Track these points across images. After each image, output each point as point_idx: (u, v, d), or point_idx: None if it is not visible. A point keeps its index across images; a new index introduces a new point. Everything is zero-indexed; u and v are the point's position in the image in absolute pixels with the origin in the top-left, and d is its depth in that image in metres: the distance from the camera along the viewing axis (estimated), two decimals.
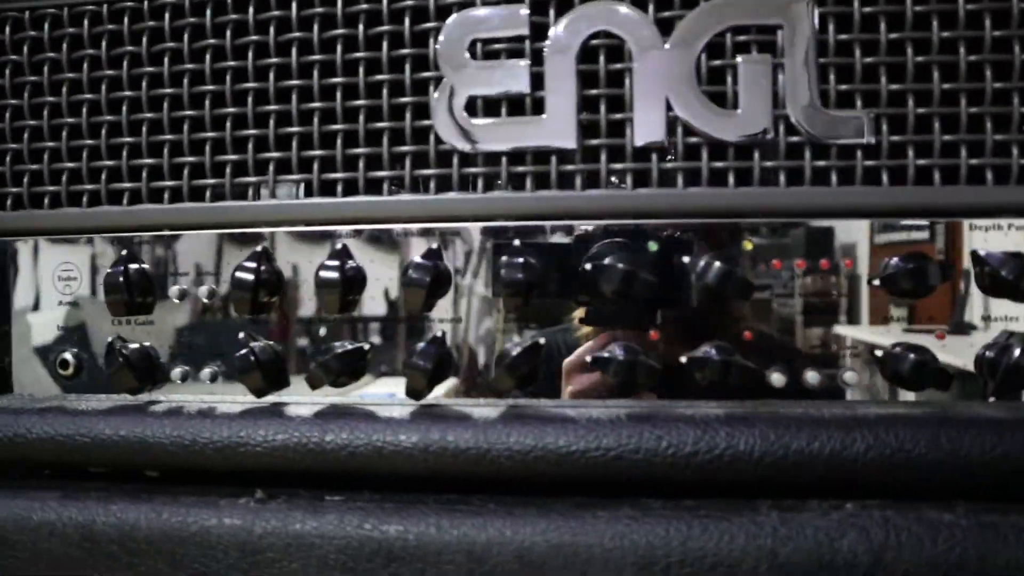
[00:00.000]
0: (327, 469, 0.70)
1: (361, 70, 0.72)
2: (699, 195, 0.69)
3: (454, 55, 0.71)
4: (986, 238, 0.66)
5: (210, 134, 0.75)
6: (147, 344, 0.79)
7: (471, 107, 0.71)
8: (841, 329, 0.68)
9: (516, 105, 0.71)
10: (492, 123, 0.71)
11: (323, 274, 0.70)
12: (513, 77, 0.70)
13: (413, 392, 0.69)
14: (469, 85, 0.71)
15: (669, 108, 0.68)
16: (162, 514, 0.70)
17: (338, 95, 0.73)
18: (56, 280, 0.82)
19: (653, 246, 0.68)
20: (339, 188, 0.73)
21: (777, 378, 0.67)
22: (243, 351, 0.73)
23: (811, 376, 0.67)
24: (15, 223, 0.83)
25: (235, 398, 0.76)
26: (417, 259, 0.70)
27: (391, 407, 0.69)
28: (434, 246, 0.71)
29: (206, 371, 0.79)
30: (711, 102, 0.70)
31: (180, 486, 0.73)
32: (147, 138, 0.77)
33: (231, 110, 0.75)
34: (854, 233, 0.68)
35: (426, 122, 0.72)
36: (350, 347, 0.73)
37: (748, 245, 0.68)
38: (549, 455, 0.62)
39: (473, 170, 0.72)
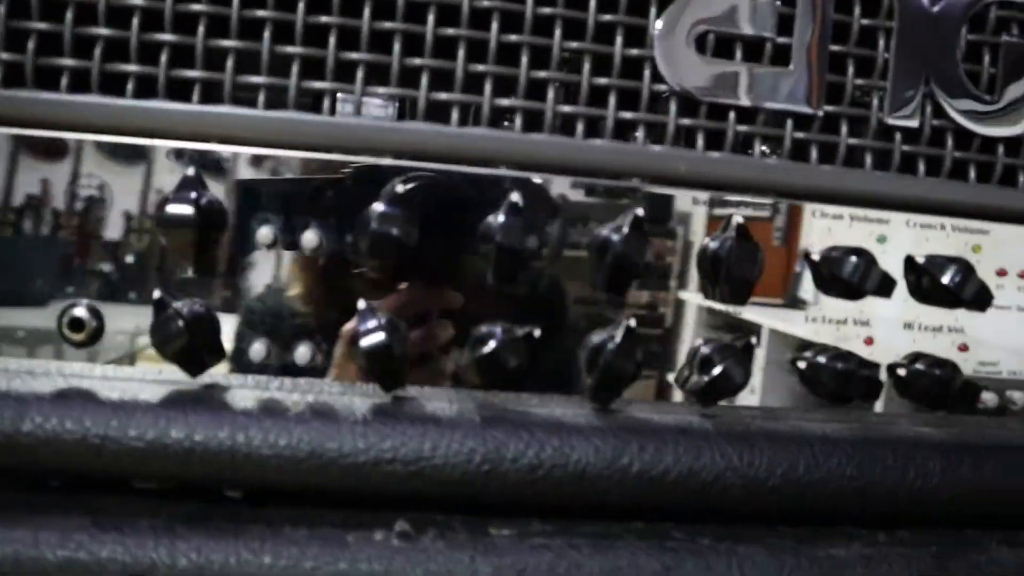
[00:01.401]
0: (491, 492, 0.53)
1: None
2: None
3: None
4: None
5: None
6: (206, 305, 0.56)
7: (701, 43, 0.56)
8: None
9: (753, 49, 0.56)
10: (726, 67, 0.56)
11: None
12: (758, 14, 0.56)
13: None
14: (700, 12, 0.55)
15: (926, 83, 0.57)
16: (261, 554, 0.49)
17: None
18: (71, 194, 0.56)
19: None
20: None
21: None
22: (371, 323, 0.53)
23: None
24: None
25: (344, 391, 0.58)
26: None
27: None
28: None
29: (302, 350, 0.57)
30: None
31: (276, 511, 0.52)
32: None
33: None
34: None
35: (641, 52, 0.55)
36: None
37: None
38: None
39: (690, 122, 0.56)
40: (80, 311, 0.56)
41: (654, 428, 0.55)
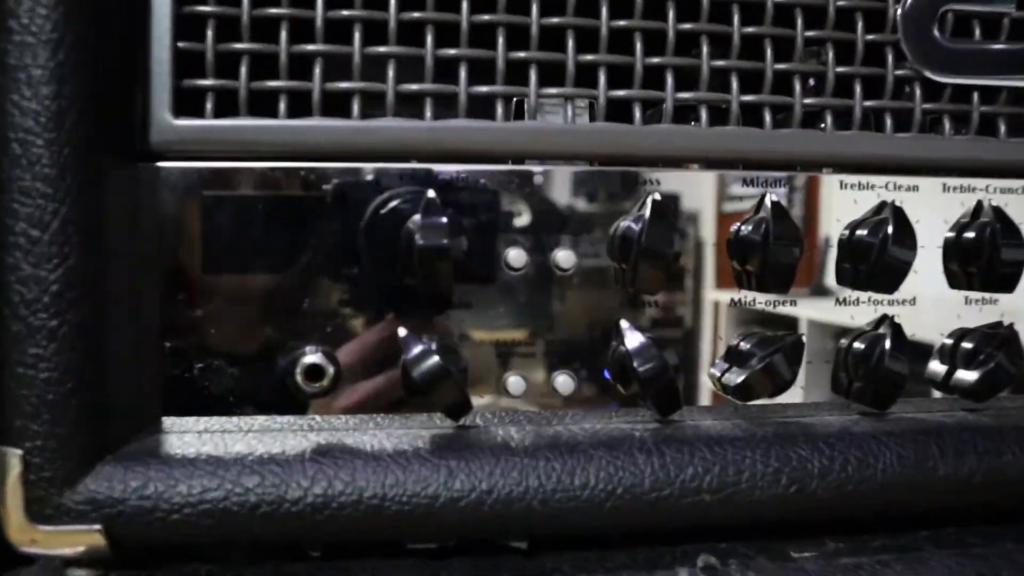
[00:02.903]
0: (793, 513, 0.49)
1: None
2: None
3: None
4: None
5: None
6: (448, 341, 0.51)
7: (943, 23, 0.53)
8: None
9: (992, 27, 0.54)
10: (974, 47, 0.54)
11: None
12: None
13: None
14: None
15: None
16: None
17: None
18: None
19: None
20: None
21: None
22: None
23: None
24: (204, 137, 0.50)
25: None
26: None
27: None
28: None
29: (562, 379, 0.53)
30: None
31: (561, 556, 0.48)
32: None
33: None
34: None
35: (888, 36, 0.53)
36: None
37: None
38: None
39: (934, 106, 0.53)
40: (314, 358, 0.51)
41: (941, 429, 0.52)
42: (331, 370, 0.51)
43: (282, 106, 0.50)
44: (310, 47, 0.50)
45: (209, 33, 0.49)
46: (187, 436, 0.50)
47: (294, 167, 0.50)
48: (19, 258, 0.43)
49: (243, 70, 0.49)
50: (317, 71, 0.50)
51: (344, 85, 0.50)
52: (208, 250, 0.50)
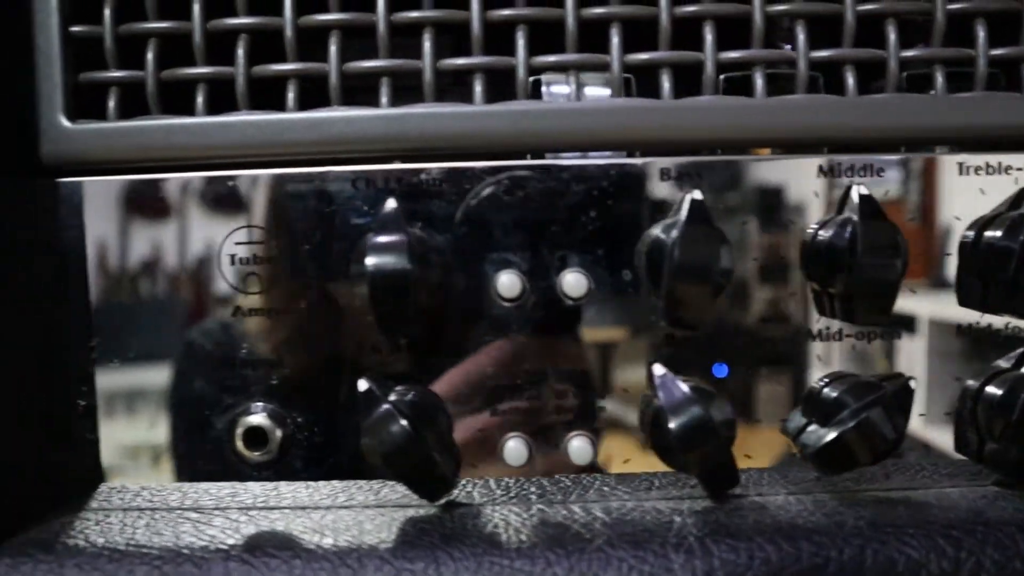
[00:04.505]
0: None
1: None
2: None
3: None
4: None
5: None
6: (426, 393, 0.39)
7: None
8: None
9: None
10: None
11: None
12: None
13: None
14: None
15: None
16: None
17: None
18: (223, 260, 0.39)
19: None
20: None
21: None
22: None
23: None
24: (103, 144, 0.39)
25: None
26: None
27: None
28: None
29: (577, 443, 0.40)
30: None
31: None
32: None
33: None
34: None
35: None
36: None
37: None
38: None
39: None
40: (258, 418, 0.40)
41: None
42: (278, 433, 0.40)
43: (199, 100, 0.39)
44: (231, 21, 0.38)
45: (107, 12, 0.38)
46: (110, 516, 0.40)
47: (221, 176, 0.39)
48: None
49: (150, 57, 0.39)
50: (240, 52, 0.38)
51: (277, 68, 0.39)
52: (124, 285, 0.40)
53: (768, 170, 0.40)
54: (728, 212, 0.40)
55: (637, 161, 0.40)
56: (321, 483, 0.42)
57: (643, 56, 0.39)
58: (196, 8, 0.38)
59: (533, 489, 0.41)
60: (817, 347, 0.41)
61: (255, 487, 0.42)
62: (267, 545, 0.37)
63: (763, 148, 0.41)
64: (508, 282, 0.39)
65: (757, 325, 0.41)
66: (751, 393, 0.42)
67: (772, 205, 0.41)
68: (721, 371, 0.41)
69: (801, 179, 0.40)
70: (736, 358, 0.41)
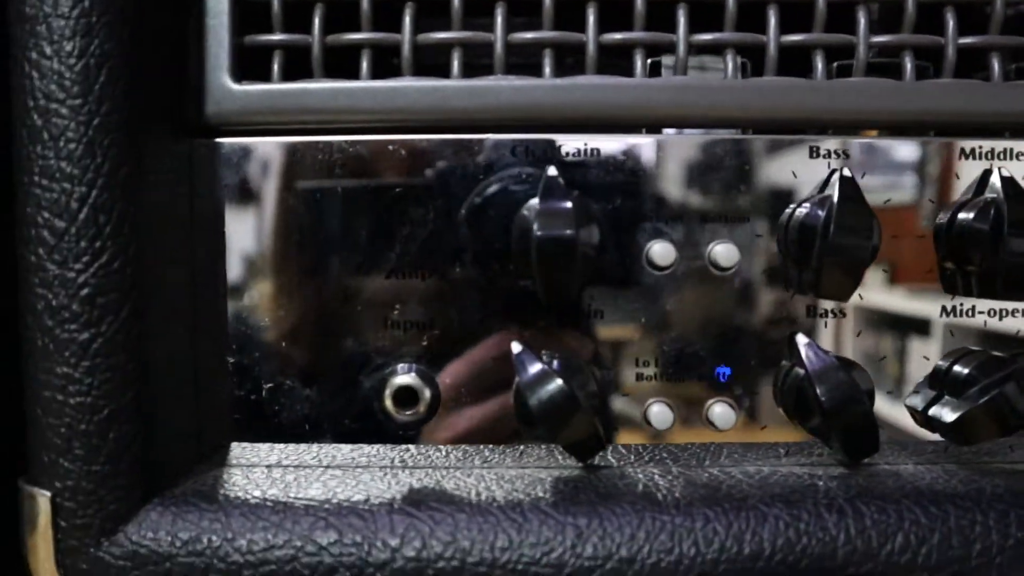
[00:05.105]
0: None
1: None
2: None
3: None
4: None
5: None
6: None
7: None
8: None
9: None
10: None
11: None
12: None
13: None
14: None
15: None
16: None
17: None
18: (378, 225, 0.40)
19: None
20: None
21: None
22: None
23: None
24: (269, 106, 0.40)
25: None
26: None
27: None
28: None
29: (720, 409, 0.41)
30: None
31: None
32: None
33: None
34: None
35: None
36: None
37: None
38: None
39: None
40: (407, 378, 0.41)
41: None
42: (427, 394, 0.41)
43: (364, 65, 0.40)
44: None
45: None
46: (255, 472, 0.41)
47: (382, 140, 0.40)
48: (42, 255, 0.35)
49: (316, 21, 0.40)
50: (407, 20, 0.39)
51: (440, 35, 0.40)
52: (280, 246, 0.41)
53: (907, 151, 0.42)
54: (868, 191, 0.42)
55: (791, 137, 0.41)
56: (469, 449, 0.43)
57: (796, 37, 0.40)
58: None
59: (665, 455, 0.43)
60: (943, 323, 0.43)
61: (388, 449, 0.43)
62: (429, 499, 0.38)
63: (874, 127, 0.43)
64: (661, 251, 0.41)
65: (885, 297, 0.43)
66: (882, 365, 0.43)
67: (910, 184, 0.42)
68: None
69: (937, 160, 0.42)
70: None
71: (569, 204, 0.38)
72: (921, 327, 0.43)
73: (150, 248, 0.37)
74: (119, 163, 0.35)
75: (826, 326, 0.42)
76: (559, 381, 0.38)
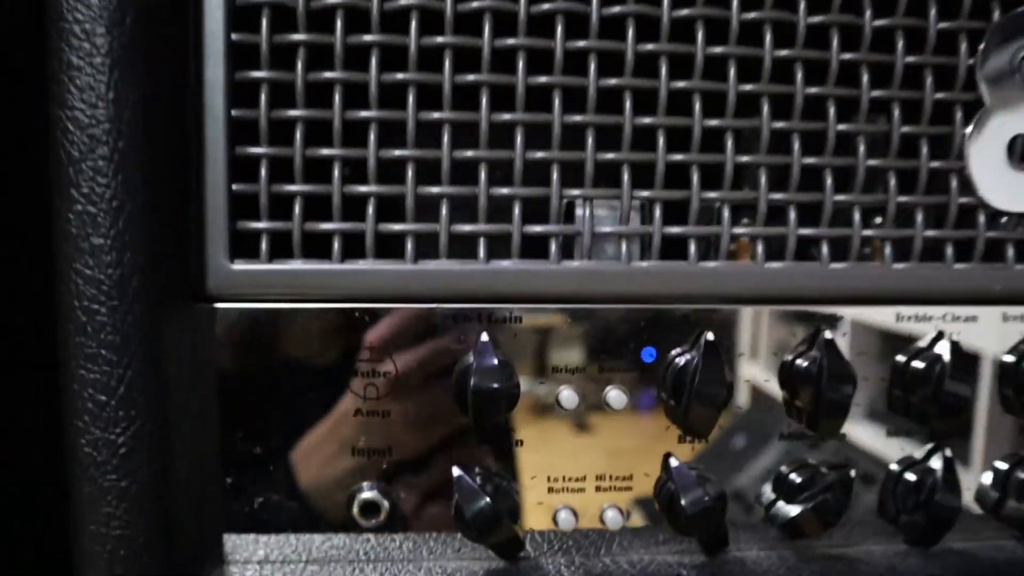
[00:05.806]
0: None
1: None
2: None
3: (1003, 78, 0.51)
4: None
5: None
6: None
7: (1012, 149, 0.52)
8: None
9: None
10: None
11: None
12: None
13: None
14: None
15: None
16: None
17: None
18: (349, 373, 0.51)
19: None
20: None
21: None
22: None
23: None
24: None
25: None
26: None
27: None
28: None
29: (611, 515, 0.54)
30: None
31: None
32: None
33: None
34: None
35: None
36: None
37: None
38: None
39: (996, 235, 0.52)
40: (370, 495, 0.52)
41: (994, 568, 0.53)
42: (386, 505, 0.52)
43: (336, 248, 0.50)
44: (363, 188, 0.49)
45: (263, 173, 0.49)
46: (248, 569, 0.52)
47: (350, 308, 0.51)
48: (88, 422, 0.45)
49: (296, 211, 0.50)
50: (370, 211, 0.50)
51: (397, 227, 0.50)
52: (265, 388, 0.51)
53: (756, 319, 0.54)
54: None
55: (669, 307, 0.53)
56: (419, 540, 0.54)
57: (675, 229, 0.52)
58: (336, 173, 0.49)
59: (571, 543, 0.55)
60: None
61: (353, 540, 0.54)
62: None
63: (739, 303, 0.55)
64: (567, 396, 0.52)
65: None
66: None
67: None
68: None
69: (792, 326, 0.54)
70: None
71: (496, 362, 0.49)
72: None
73: (169, 406, 0.47)
74: (146, 343, 0.45)
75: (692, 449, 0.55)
76: (487, 499, 0.49)
